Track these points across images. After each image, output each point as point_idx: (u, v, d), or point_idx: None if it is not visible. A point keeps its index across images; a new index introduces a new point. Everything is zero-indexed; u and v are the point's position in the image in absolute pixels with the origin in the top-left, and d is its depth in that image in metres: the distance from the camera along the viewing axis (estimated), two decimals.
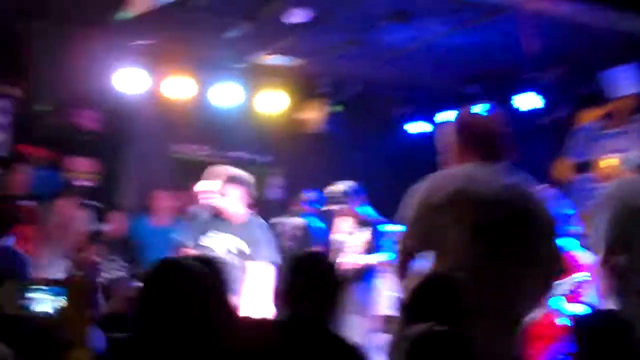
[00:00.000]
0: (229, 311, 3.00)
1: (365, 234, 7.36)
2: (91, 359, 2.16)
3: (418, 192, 3.73)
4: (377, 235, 7.39)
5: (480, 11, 6.83)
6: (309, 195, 8.71)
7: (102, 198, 9.05)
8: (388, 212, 8.59)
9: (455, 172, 3.77)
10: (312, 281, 3.19)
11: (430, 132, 9.74)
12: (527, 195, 3.76)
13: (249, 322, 3.30)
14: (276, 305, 3.24)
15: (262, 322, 3.24)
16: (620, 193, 4.27)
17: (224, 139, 9.78)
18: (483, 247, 3.57)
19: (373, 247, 7.31)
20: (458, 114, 4.12)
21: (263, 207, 10.37)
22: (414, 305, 3.16)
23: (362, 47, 7.70)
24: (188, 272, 2.56)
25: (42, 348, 2.18)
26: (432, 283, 3.29)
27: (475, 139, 3.85)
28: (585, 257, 5.47)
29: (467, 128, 3.92)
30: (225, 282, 3.04)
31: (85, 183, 9.05)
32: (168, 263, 2.69)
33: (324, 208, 7.69)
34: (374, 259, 7.22)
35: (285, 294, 3.19)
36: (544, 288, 3.79)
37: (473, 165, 3.77)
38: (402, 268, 3.75)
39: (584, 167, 7.83)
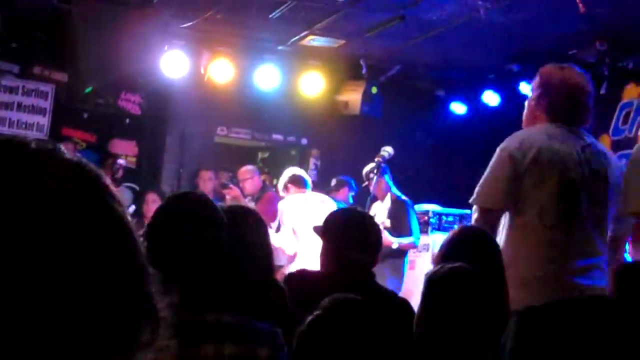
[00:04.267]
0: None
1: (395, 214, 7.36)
2: None
3: (505, 151, 3.70)
4: (408, 214, 7.38)
5: None
6: (333, 181, 8.66)
7: (142, 180, 9.19)
8: (429, 195, 8.62)
9: (539, 131, 3.76)
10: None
11: (473, 112, 9.71)
12: (605, 155, 3.86)
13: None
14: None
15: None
16: None
17: (264, 121, 9.84)
18: (569, 204, 3.64)
19: (401, 226, 7.29)
20: (545, 68, 3.96)
21: None
22: (446, 256, 3.12)
23: (401, 25, 7.67)
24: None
25: None
26: (465, 235, 3.28)
27: (560, 98, 3.80)
28: None
29: (554, 84, 3.83)
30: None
31: (127, 165, 9.18)
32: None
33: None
34: (395, 241, 7.18)
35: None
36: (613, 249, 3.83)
37: (554, 125, 3.77)
38: (489, 224, 3.68)
39: (624, 143, 7.75)
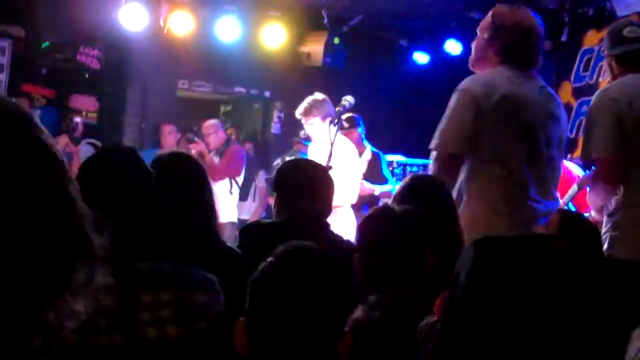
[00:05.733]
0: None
1: (365, 162, 7.34)
2: None
3: (467, 93, 3.64)
4: (380, 165, 7.39)
5: None
6: (302, 133, 8.65)
7: (104, 136, 9.10)
8: (393, 145, 8.64)
9: (500, 74, 3.71)
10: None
11: (436, 62, 9.69)
12: (557, 99, 3.91)
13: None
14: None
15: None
16: (621, 95, 3.80)
17: (226, 74, 9.75)
18: (529, 147, 3.66)
19: (376, 176, 7.31)
20: (497, 9, 3.86)
21: (266, 141, 10.44)
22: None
23: None
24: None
25: None
26: (416, 182, 3.30)
27: (514, 40, 3.74)
28: (577, 170, 5.52)
29: (508, 26, 3.76)
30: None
31: (87, 121, 9.09)
32: None
33: None
34: (377, 189, 7.22)
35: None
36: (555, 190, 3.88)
37: (510, 67, 3.73)
38: (451, 170, 3.68)
39: (585, 90, 7.81)
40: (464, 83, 3.70)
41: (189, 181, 2.86)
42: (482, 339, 1.69)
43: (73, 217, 0.90)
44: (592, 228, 3.54)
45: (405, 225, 2.68)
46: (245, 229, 3.45)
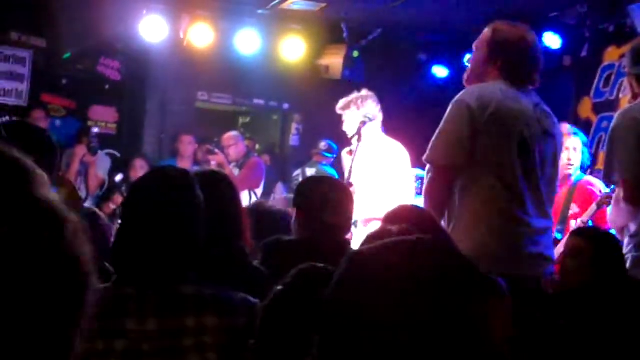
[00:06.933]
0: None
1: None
2: None
3: (463, 104, 3.58)
4: None
5: None
6: (322, 145, 8.67)
7: (123, 146, 9.15)
8: (412, 159, 8.60)
9: (494, 88, 3.65)
10: None
11: (455, 75, 9.67)
12: (552, 116, 3.82)
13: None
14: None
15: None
16: None
17: (245, 86, 9.78)
18: (525, 163, 3.60)
19: None
20: (497, 25, 3.84)
21: (284, 153, 10.46)
22: None
23: None
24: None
25: None
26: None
27: (516, 56, 3.71)
28: (599, 184, 5.49)
29: (510, 43, 3.74)
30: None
31: (106, 131, 9.15)
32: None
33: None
34: None
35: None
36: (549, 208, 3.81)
37: (507, 82, 3.68)
38: (445, 182, 3.63)
39: (605, 106, 7.78)
40: (460, 95, 3.64)
41: (223, 201, 2.85)
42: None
43: (74, 287, 0.86)
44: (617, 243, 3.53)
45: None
46: (268, 246, 3.44)
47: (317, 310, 1.89)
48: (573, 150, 5.55)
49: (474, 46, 3.92)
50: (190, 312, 2.31)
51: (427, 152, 3.68)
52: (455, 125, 3.58)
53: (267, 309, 2.05)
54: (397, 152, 5.83)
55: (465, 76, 3.89)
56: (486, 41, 3.81)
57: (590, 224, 5.23)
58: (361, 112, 5.69)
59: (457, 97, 3.64)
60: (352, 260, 1.55)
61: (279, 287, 2.03)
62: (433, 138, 3.68)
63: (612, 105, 7.63)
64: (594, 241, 3.62)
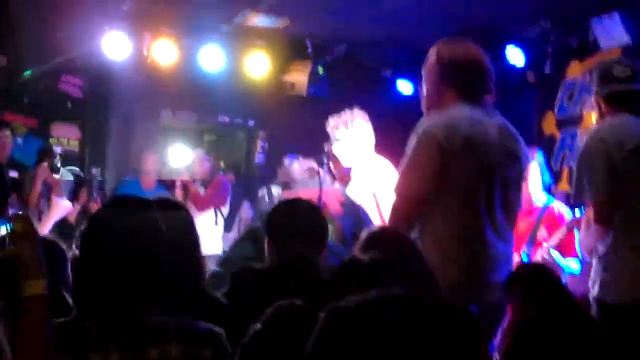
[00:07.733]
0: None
1: None
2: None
3: (431, 136, 3.48)
4: None
5: None
6: (286, 162, 8.61)
7: (86, 164, 9.04)
8: None
9: (459, 115, 3.57)
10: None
11: (420, 91, 9.66)
12: (517, 138, 3.75)
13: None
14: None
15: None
16: (612, 136, 3.83)
17: (210, 103, 9.72)
18: (487, 190, 3.55)
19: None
20: (441, 45, 3.71)
21: (249, 171, 10.39)
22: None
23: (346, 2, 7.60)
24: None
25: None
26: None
27: (468, 74, 3.62)
28: (566, 211, 5.50)
29: (459, 61, 3.64)
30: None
31: (69, 149, 9.04)
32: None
33: None
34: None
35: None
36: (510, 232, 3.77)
37: (469, 105, 3.61)
38: (415, 214, 3.55)
39: (569, 122, 7.83)
40: (426, 126, 3.54)
41: (179, 231, 2.78)
42: None
43: None
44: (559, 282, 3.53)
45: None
46: (237, 275, 3.33)
47: (296, 350, 1.85)
48: (532, 184, 5.50)
49: (422, 73, 3.82)
50: (154, 343, 2.27)
51: (398, 183, 3.60)
52: (428, 158, 3.50)
53: (245, 349, 2.00)
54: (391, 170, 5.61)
55: (424, 104, 3.80)
56: (433, 64, 3.72)
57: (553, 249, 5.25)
58: (350, 131, 5.58)
59: (424, 127, 3.55)
60: (332, 315, 1.54)
61: (258, 326, 1.98)
62: (403, 168, 3.60)
63: (576, 120, 7.68)
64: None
